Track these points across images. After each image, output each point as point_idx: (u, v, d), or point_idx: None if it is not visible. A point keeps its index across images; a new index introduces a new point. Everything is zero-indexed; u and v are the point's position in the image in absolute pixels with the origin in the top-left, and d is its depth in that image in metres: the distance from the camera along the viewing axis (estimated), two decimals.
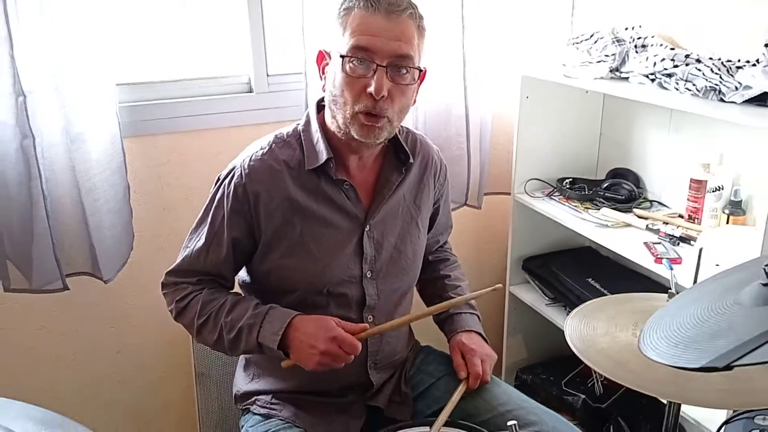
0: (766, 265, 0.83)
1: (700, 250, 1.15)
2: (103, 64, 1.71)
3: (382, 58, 1.28)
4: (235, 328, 1.35)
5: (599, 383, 2.20)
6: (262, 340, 1.33)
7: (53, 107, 1.64)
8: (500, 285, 1.44)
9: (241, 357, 1.61)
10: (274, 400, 1.49)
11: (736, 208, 1.80)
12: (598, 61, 1.94)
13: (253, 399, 1.52)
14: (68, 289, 1.74)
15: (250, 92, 2.03)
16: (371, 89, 1.27)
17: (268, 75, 2.02)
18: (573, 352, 2.34)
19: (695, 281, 1.21)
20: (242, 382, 1.57)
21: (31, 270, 1.70)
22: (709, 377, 1.13)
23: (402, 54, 1.29)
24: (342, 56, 1.29)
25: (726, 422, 1.38)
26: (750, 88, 1.52)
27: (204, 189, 1.98)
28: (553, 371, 2.29)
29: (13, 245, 1.70)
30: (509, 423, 0.86)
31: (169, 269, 1.45)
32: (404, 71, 1.31)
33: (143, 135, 1.90)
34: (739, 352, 0.75)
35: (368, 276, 1.45)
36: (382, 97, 1.28)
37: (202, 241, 1.41)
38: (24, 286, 1.72)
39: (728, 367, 0.74)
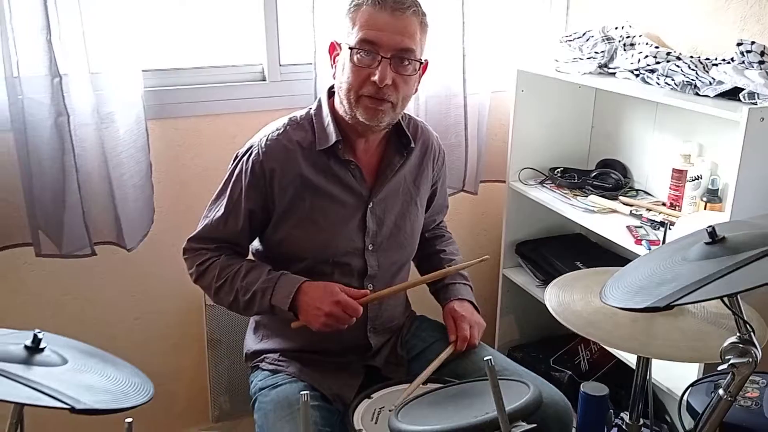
0: (708, 227, 0.98)
1: (667, 223, 1.29)
2: (130, 51, 1.86)
3: (387, 51, 1.42)
4: (249, 291, 1.50)
5: (585, 361, 2.34)
6: (274, 302, 1.47)
7: (86, 89, 1.80)
8: (488, 256, 1.59)
9: (251, 320, 1.75)
10: (281, 358, 1.63)
11: (713, 196, 1.93)
12: (588, 58, 2.08)
13: (262, 357, 1.66)
14: (96, 254, 1.89)
15: (263, 80, 2.17)
16: (375, 78, 1.42)
17: (280, 64, 2.16)
18: (561, 332, 2.50)
19: None
20: (252, 343, 1.72)
21: (61, 237, 1.85)
22: (669, 335, 1.27)
23: (405, 47, 1.44)
24: (351, 48, 1.44)
25: (692, 384, 1.51)
26: (722, 83, 1.66)
27: (218, 169, 2.13)
28: (543, 350, 2.42)
29: (45, 215, 1.84)
30: (485, 359, 0.99)
31: (190, 236, 1.60)
32: (406, 63, 1.46)
33: (165, 117, 2.04)
34: (677, 295, 0.89)
35: (370, 248, 1.59)
36: (386, 85, 1.42)
37: (221, 211, 1.56)
38: (54, 251, 1.87)
39: (668, 307, 0.88)
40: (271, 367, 1.63)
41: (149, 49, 1.97)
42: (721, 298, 0.89)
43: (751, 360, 0.96)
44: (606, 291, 1.04)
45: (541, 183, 2.32)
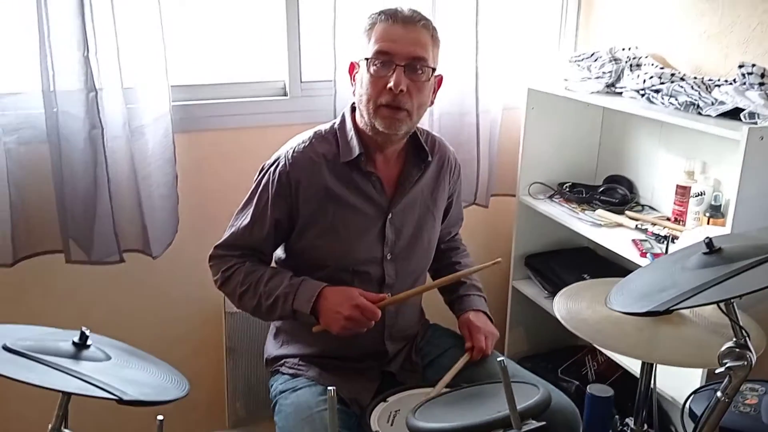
0: (705, 238, 1.05)
1: (670, 237, 1.36)
2: (160, 67, 1.95)
3: (401, 59, 1.52)
4: (272, 296, 1.57)
5: (592, 371, 2.40)
6: (296, 306, 1.55)
7: (119, 103, 1.89)
8: (500, 259, 1.66)
9: (272, 326, 1.83)
10: (300, 363, 1.70)
11: (716, 212, 1.99)
12: (596, 77, 2.16)
13: (282, 361, 1.73)
14: (124, 261, 1.98)
15: (285, 96, 2.26)
16: (391, 84, 1.51)
17: (301, 81, 2.25)
18: (569, 344, 2.56)
19: None
20: (272, 348, 1.79)
21: (91, 245, 1.94)
22: (672, 343, 1.34)
23: (417, 56, 1.54)
24: (367, 59, 1.54)
25: (694, 392, 1.58)
26: (724, 103, 1.74)
27: (240, 182, 2.22)
28: (551, 360, 2.49)
29: (76, 224, 1.93)
30: (498, 359, 1.07)
31: (216, 243, 1.68)
32: (419, 71, 1.55)
33: (190, 131, 2.13)
34: (676, 301, 0.96)
35: (388, 258, 1.67)
36: (401, 91, 1.52)
37: (248, 219, 1.64)
38: (83, 258, 1.96)
39: (668, 311, 0.96)
40: (291, 371, 1.70)
41: (177, 65, 2.06)
42: (717, 303, 0.96)
43: (746, 363, 1.03)
44: (611, 297, 1.11)
45: (550, 197, 2.40)
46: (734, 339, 1.05)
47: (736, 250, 1.02)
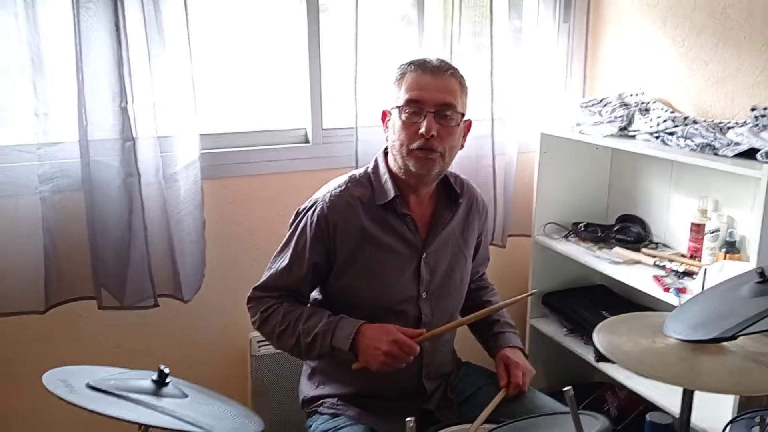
0: (757, 268, 1.11)
1: (705, 269, 1.42)
2: (191, 116, 2.01)
3: (431, 106, 1.60)
4: (311, 334, 1.59)
5: (614, 407, 2.43)
6: (335, 344, 1.57)
7: (153, 151, 1.94)
8: (536, 290, 1.71)
9: (305, 367, 1.84)
10: (339, 402, 1.72)
11: (731, 248, 2.06)
12: (609, 122, 2.26)
13: (320, 402, 1.75)
14: (158, 305, 1.99)
15: (307, 143, 2.33)
16: (422, 130, 1.58)
17: (323, 128, 2.32)
18: (589, 380, 2.59)
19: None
20: (308, 389, 1.80)
21: (124, 291, 1.95)
22: (714, 371, 1.38)
23: (446, 102, 1.61)
24: (399, 107, 1.61)
25: (731, 421, 1.62)
26: (739, 144, 1.83)
27: (264, 226, 2.28)
28: None
29: (107, 271, 1.95)
30: (564, 389, 1.10)
31: (255, 285, 1.70)
32: (449, 116, 1.62)
33: (217, 177, 2.18)
34: (740, 327, 1.02)
35: (423, 296, 1.71)
36: (432, 135, 1.58)
37: (286, 261, 1.67)
38: (115, 304, 1.97)
39: (734, 337, 1.01)
40: (330, 411, 1.71)
41: (206, 115, 2.12)
42: None
43: None
44: (668, 327, 1.16)
45: (566, 237, 2.47)
46: None
47: None
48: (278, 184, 2.29)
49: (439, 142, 1.60)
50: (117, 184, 1.91)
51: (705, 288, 1.49)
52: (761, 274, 1.10)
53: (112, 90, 1.87)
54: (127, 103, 1.85)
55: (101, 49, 1.85)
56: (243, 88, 2.30)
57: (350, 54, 2.21)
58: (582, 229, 2.44)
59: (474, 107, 2.33)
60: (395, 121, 1.64)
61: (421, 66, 1.63)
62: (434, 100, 1.60)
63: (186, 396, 1.10)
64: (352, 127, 2.27)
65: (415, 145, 1.60)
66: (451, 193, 1.76)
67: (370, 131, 2.21)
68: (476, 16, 2.35)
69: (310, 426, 1.74)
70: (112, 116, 1.89)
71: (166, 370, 1.09)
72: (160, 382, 1.08)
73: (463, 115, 1.67)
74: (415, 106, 1.60)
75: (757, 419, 1.56)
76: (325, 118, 2.33)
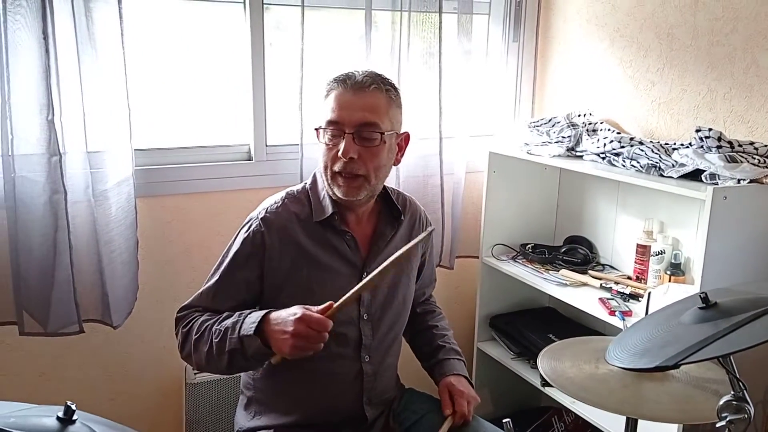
0: (700, 293, 1.08)
1: (649, 293, 1.39)
2: (124, 130, 1.91)
3: (350, 127, 1.52)
4: (220, 332, 1.46)
5: None
6: (242, 332, 1.42)
7: (82, 167, 1.84)
8: (433, 227, 1.61)
9: (241, 397, 1.75)
10: None
11: (676, 270, 2.07)
12: (556, 142, 2.24)
13: None
14: (84, 332, 1.88)
15: (250, 160, 2.25)
16: (340, 152, 1.52)
17: (266, 145, 2.25)
18: (535, 405, 2.56)
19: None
20: (244, 420, 1.71)
21: (47, 315, 1.84)
22: (658, 398, 1.36)
23: (365, 122, 1.53)
24: (320, 129, 1.56)
25: None
26: (684, 165, 1.82)
27: (203, 246, 2.19)
28: (518, 422, 2.46)
29: (29, 294, 1.83)
30: (504, 420, 1.05)
31: (181, 306, 1.59)
32: (371, 136, 1.54)
33: (153, 195, 2.09)
34: (683, 355, 0.98)
35: (365, 318, 1.64)
36: (351, 158, 1.52)
37: (214, 280, 1.58)
38: (38, 330, 1.85)
39: (676, 366, 0.97)
40: None
41: (142, 129, 2.02)
42: (723, 356, 0.98)
43: (746, 416, 1.05)
44: (611, 354, 1.12)
45: (513, 258, 2.44)
46: (732, 392, 1.07)
47: (732, 304, 1.05)
48: (219, 202, 2.20)
49: (361, 164, 1.53)
50: (42, 201, 1.80)
51: (649, 312, 1.46)
52: (704, 299, 1.07)
53: (39, 101, 1.77)
54: (54, 115, 1.75)
55: (28, 58, 1.75)
56: (183, 101, 2.21)
57: (296, 68, 2.15)
58: (530, 250, 2.42)
59: (422, 125, 2.32)
60: (320, 142, 1.58)
61: (343, 82, 1.55)
62: (353, 120, 1.52)
63: None
64: (298, 144, 2.20)
65: (336, 168, 1.54)
66: (393, 209, 1.71)
67: (316, 148, 2.12)
68: (425, 33, 2.31)
69: None
70: (38, 129, 1.78)
71: (73, 406, 0.99)
72: (67, 419, 0.98)
73: (384, 133, 1.56)
74: (335, 127, 1.54)
75: None
76: (269, 135, 2.25)
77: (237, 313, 1.50)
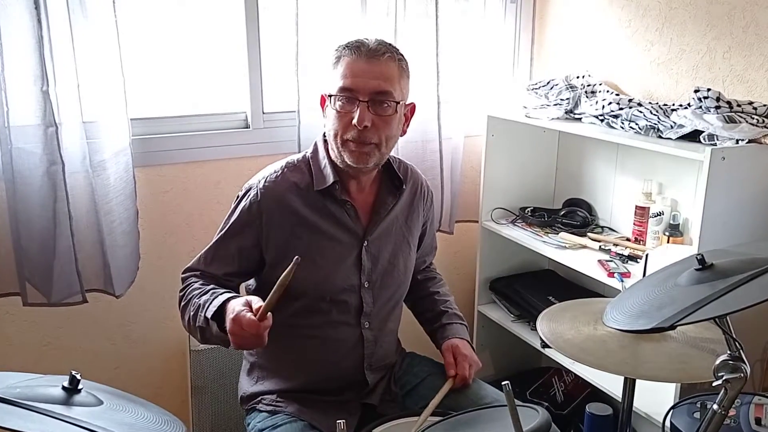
0: (697, 255, 1.09)
1: (647, 255, 1.40)
2: (120, 100, 1.90)
3: (364, 95, 1.51)
4: (197, 306, 1.48)
5: (560, 392, 2.43)
6: (207, 314, 1.44)
7: (79, 138, 1.83)
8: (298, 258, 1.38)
9: (244, 363, 1.77)
10: (278, 399, 1.65)
11: (674, 231, 2.07)
12: (555, 104, 2.23)
13: (258, 399, 1.68)
14: (87, 301, 1.89)
15: (247, 128, 2.24)
16: (355, 120, 1.51)
17: (263, 112, 2.23)
18: (536, 366, 2.59)
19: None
20: (247, 385, 1.73)
21: (50, 286, 1.85)
22: (656, 358, 1.37)
23: (380, 90, 1.52)
24: (332, 96, 1.54)
25: (673, 406, 1.61)
26: (683, 126, 1.82)
27: (202, 215, 2.19)
28: (519, 383, 2.50)
29: (32, 265, 1.85)
30: (503, 383, 1.07)
31: (185, 267, 1.62)
32: (385, 105, 1.54)
33: (151, 165, 2.08)
34: (679, 317, 0.99)
35: (365, 286, 1.65)
36: (366, 126, 1.51)
37: (211, 246, 1.61)
38: (42, 300, 1.87)
39: (672, 327, 0.98)
40: (269, 408, 1.65)
41: (137, 98, 2.01)
42: (719, 317, 0.99)
43: (742, 375, 1.06)
44: (608, 316, 1.13)
45: (513, 222, 2.44)
46: (728, 352, 1.08)
47: (728, 266, 1.06)
48: (217, 171, 2.20)
49: (374, 132, 1.53)
50: (40, 172, 1.80)
51: (646, 274, 1.47)
52: (701, 260, 1.08)
53: (33, 72, 1.76)
54: (48, 86, 1.74)
55: (20, 28, 1.73)
56: (178, 70, 2.19)
57: (291, 33, 2.13)
58: (529, 214, 2.42)
59: (420, 90, 2.29)
60: (330, 109, 1.57)
61: (356, 50, 1.54)
62: (368, 88, 1.51)
63: (101, 403, 1.02)
64: (295, 111, 2.19)
65: (348, 136, 1.53)
66: (395, 179, 1.71)
67: (313, 114, 2.09)
68: None
69: (249, 424, 1.67)
70: (33, 100, 1.77)
71: (78, 376, 1.01)
72: (72, 388, 1.00)
73: (399, 102, 1.58)
74: (348, 95, 1.52)
75: (699, 404, 1.56)
76: (266, 102, 2.24)
77: (212, 291, 1.50)
